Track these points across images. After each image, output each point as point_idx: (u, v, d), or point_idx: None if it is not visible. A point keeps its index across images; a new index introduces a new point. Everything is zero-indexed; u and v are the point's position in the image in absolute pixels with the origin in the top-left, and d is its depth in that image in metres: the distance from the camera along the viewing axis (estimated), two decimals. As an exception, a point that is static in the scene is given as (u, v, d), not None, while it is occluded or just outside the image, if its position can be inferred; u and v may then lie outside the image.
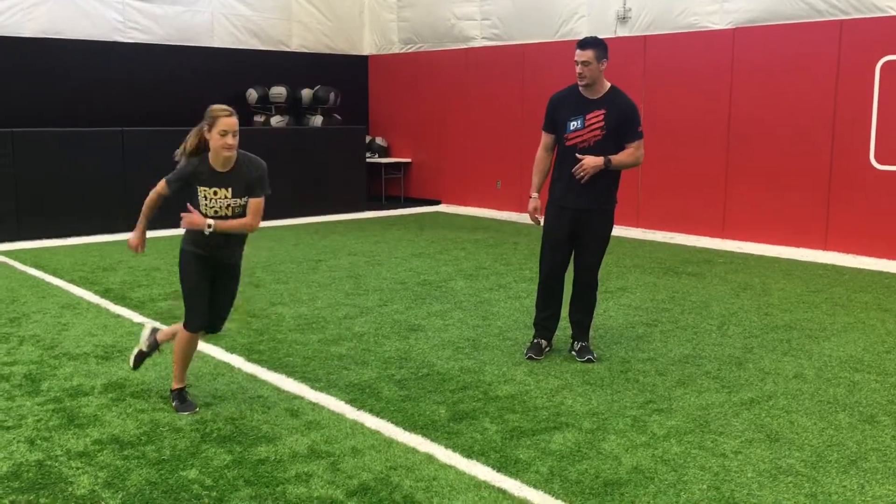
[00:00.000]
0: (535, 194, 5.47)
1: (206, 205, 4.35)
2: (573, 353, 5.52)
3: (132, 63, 12.60)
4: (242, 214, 4.41)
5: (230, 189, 4.34)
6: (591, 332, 5.67)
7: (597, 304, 5.61)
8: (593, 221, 5.35)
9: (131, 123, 11.90)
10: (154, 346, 4.88)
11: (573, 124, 5.26)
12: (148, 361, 5.41)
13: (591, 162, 5.18)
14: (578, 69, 5.19)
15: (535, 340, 5.55)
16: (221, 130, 4.24)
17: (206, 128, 4.32)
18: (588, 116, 5.23)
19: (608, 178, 5.30)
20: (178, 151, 4.45)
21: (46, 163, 10.61)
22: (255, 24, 13.93)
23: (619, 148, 5.25)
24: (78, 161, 10.82)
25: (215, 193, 4.33)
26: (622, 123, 5.23)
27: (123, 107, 12.46)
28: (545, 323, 5.57)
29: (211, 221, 4.33)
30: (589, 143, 5.23)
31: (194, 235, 4.42)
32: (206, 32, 13.39)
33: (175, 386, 4.61)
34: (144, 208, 4.53)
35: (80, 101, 12.14)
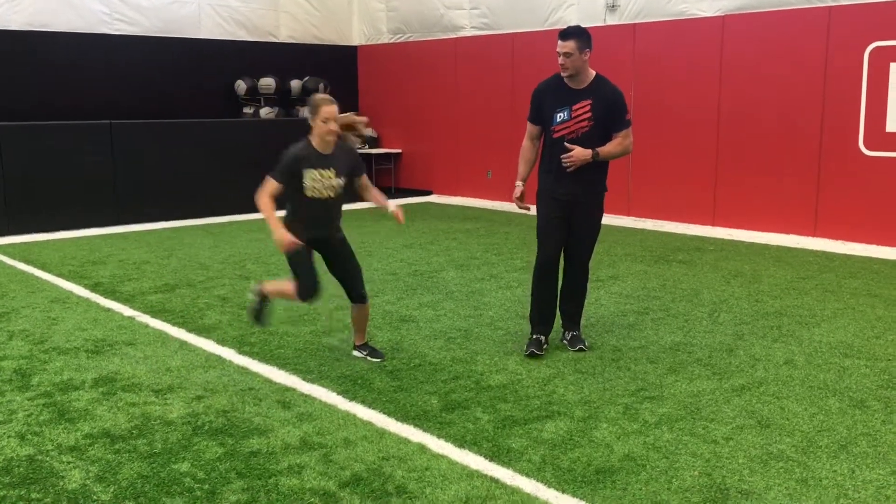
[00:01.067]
0: (520, 183, 5.40)
1: (312, 187, 4.79)
2: (564, 342, 5.51)
3: (119, 55, 12.52)
4: (341, 195, 4.92)
5: (334, 170, 4.85)
6: (583, 321, 5.67)
7: (587, 294, 5.59)
8: (585, 210, 5.30)
9: (119, 116, 11.83)
10: (262, 297, 5.24)
11: (560, 116, 5.18)
12: (137, 354, 5.40)
13: (579, 154, 5.10)
14: (561, 60, 5.10)
15: (535, 336, 5.40)
16: (324, 118, 4.78)
17: (311, 116, 4.85)
18: (574, 107, 5.15)
19: (597, 166, 5.23)
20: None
21: (34, 156, 10.54)
22: (242, 15, 13.85)
23: (607, 137, 5.17)
24: (66, 154, 10.76)
25: (321, 175, 4.81)
26: (609, 113, 5.16)
27: (111, 99, 12.40)
28: (542, 317, 5.44)
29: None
30: (577, 135, 5.15)
31: (305, 222, 4.85)
32: (194, 24, 13.31)
33: (356, 342, 5.32)
34: (267, 216, 4.78)
35: (68, 94, 12.06)
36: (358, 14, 15.29)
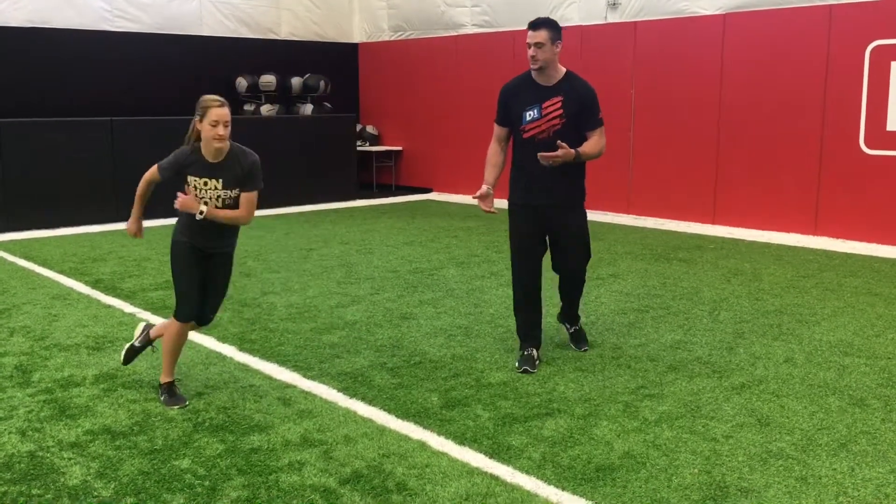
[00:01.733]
0: (486, 186, 5.06)
1: (195, 195, 4.34)
2: (568, 331, 5.47)
3: (120, 52, 12.52)
4: (234, 206, 4.38)
5: (220, 180, 4.32)
6: (583, 319, 5.67)
7: (585, 292, 5.44)
8: (567, 220, 5.01)
9: (120, 113, 11.84)
10: (147, 341, 4.83)
11: (529, 114, 4.87)
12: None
13: (562, 153, 4.74)
14: (531, 52, 4.79)
15: (526, 352, 5.10)
16: (213, 121, 4.22)
17: (197, 118, 4.30)
18: (545, 105, 4.84)
19: (574, 169, 4.93)
20: (187, 138, 4.41)
21: (35, 153, 10.55)
22: (243, 12, 13.85)
23: (579, 137, 4.88)
24: (67, 151, 10.76)
25: (205, 184, 4.31)
26: (582, 110, 4.86)
27: (112, 96, 12.40)
28: (530, 332, 5.16)
29: (203, 207, 4.31)
30: (548, 134, 4.84)
31: (188, 225, 4.40)
32: (195, 21, 13.30)
33: (164, 380, 4.54)
34: (137, 195, 4.56)
35: (69, 91, 12.07)
36: (359, 11, 15.29)
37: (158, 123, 11.59)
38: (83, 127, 11.00)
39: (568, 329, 5.49)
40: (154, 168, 4.44)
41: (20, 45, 11.71)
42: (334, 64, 14.78)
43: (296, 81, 14.00)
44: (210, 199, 4.33)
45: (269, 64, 13.82)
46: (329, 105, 14.27)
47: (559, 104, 4.83)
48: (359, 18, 15.31)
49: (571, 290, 5.31)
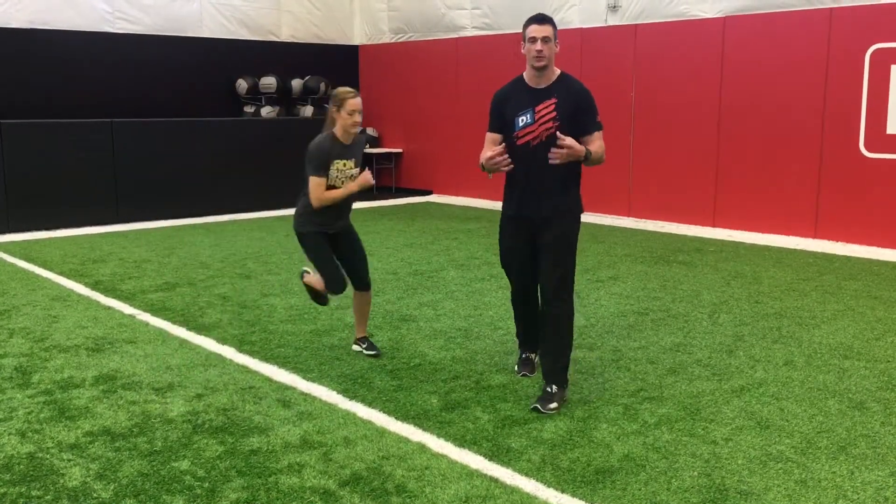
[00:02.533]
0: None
1: (335, 177, 5.02)
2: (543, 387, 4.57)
3: (121, 53, 12.53)
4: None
5: (353, 160, 5.13)
6: (583, 323, 5.64)
7: (584, 294, 5.21)
8: (553, 231, 4.52)
9: (120, 114, 11.84)
10: (311, 287, 5.40)
11: (522, 120, 4.52)
12: (138, 352, 5.41)
13: (573, 145, 4.32)
14: (537, 46, 4.43)
15: (524, 355, 5.04)
16: (350, 110, 5.01)
17: (334, 108, 5.04)
18: (538, 108, 4.48)
19: (574, 176, 4.57)
20: (325, 126, 5.16)
21: (35, 154, 10.55)
22: (244, 14, 13.86)
23: (576, 139, 4.43)
24: (67, 152, 10.76)
25: (345, 165, 5.06)
26: (578, 112, 4.47)
27: (112, 98, 12.40)
28: (527, 336, 5.03)
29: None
30: (541, 139, 4.46)
31: (318, 213, 5.04)
32: (195, 22, 13.31)
33: (357, 334, 5.42)
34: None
35: (69, 92, 12.07)
36: (359, 13, 15.30)
37: (159, 125, 11.60)
38: (84, 128, 11.00)
39: (544, 385, 4.56)
40: (315, 178, 4.97)
41: (21, 46, 11.72)
42: (335, 66, 14.79)
43: (296, 83, 14.01)
44: (345, 178, 5.07)
45: (269, 66, 13.83)
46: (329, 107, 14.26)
47: (553, 107, 4.47)
48: (359, 20, 15.32)
49: (551, 324, 4.55)
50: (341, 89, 5.09)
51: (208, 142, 11.88)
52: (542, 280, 4.60)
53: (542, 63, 4.48)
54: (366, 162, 14.52)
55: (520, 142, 4.53)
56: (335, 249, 5.21)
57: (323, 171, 4.98)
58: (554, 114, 4.46)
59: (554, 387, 4.47)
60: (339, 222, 5.18)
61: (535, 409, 4.38)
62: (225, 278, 7.66)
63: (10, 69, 11.64)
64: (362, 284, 5.29)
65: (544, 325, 4.60)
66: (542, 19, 4.52)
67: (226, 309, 6.55)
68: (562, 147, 4.32)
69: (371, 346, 5.39)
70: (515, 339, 5.27)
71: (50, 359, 5.29)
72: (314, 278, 5.32)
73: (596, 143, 4.50)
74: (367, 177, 5.12)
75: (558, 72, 4.60)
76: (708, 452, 3.88)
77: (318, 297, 5.43)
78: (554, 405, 4.39)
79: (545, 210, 4.55)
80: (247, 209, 12.02)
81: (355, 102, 5.02)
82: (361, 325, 5.45)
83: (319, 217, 5.08)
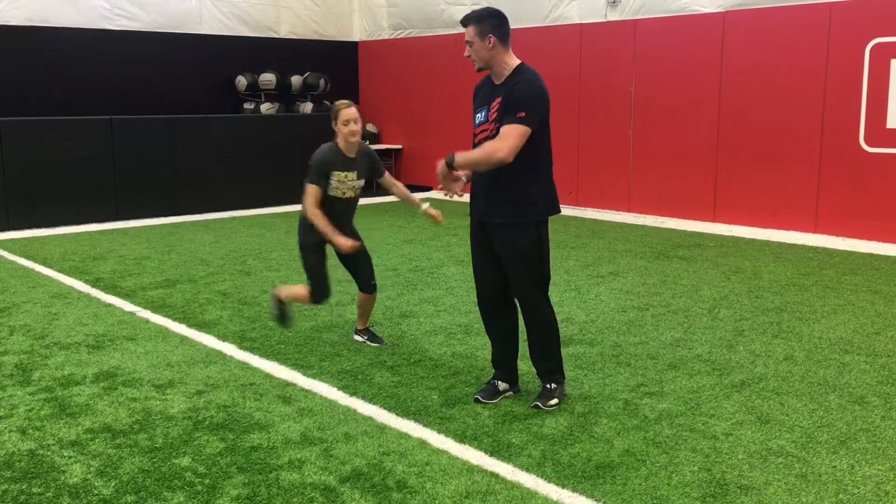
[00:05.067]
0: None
1: (336, 187, 5.07)
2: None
3: (120, 51, 12.52)
4: (359, 195, 5.27)
5: (356, 172, 5.15)
6: (583, 318, 5.56)
7: (584, 290, 4.86)
8: (506, 239, 4.27)
9: (120, 111, 11.83)
10: (279, 302, 5.41)
11: (479, 117, 4.32)
12: (138, 349, 5.41)
13: (438, 166, 4.11)
14: (466, 52, 4.31)
15: (491, 381, 4.56)
16: (345, 120, 5.01)
17: (332, 122, 5.06)
18: (491, 106, 4.22)
19: (509, 176, 4.18)
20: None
21: (35, 152, 10.55)
22: (243, 11, 13.84)
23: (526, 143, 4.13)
24: (67, 150, 10.76)
25: (346, 177, 5.08)
26: (506, 109, 4.12)
27: (112, 95, 12.39)
28: (495, 360, 4.60)
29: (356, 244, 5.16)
30: (485, 140, 4.23)
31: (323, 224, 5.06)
32: (194, 19, 13.30)
33: (359, 326, 5.51)
34: (321, 221, 5.02)
35: (69, 90, 12.06)
36: (359, 10, 15.28)
37: (158, 122, 11.59)
38: (83, 125, 11.00)
39: (542, 383, 4.50)
40: (311, 187, 5.02)
41: (20, 43, 11.70)
42: (334, 62, 14.78)
43: (296, 80, 13.99)
44: (347, 189, 5.12)
45: (268, 62, 13.81)
46: (329, 103, 14.26)
47: (497, 106, 4.17)
48: (359, 16, 15.30)
49: (528, 329, 4.43)
50: (337, 102, 5.15)
51: (208, 139, 11.87)
52: (512, 293, 4.42)
53: (476, 66, 4.29)
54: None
55: (476, 139, 4.34)
56: (342, 255, 5.26)
57: (321, 179, 5.03)
58: (496, 114, 4.17)
59: (552, 384, 4.43)
60: (337, 229, 5.14)
61: (536, 406, 4.35)
62: (225, 275, 7.66)
63: (10, 67, 11.63)
64: (368, 287, 5.36)
65: (526, 324, 4.43)
66: (463, 21, 4.29)
67: (226, 306, 6.55)
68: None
69: (373, 337, 5.49)
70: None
71: (50, 356, 5.30)
72: (292, 291, 5.35)
73: (485, 145, 4.10)
74: (351, 244, 4.98)
75: (514, 64, 4.24)
76: (708, 447, 3.88)
77: (283, 316, 5.44)
78: (554, 401, 4.36)
79: (490, 216, 4.28)
80: (247, 206, 12.02)
81: (348, 112, 5.04)
82: (363, 318, 5.54)
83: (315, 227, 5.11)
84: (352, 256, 5.25)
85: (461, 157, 4.11)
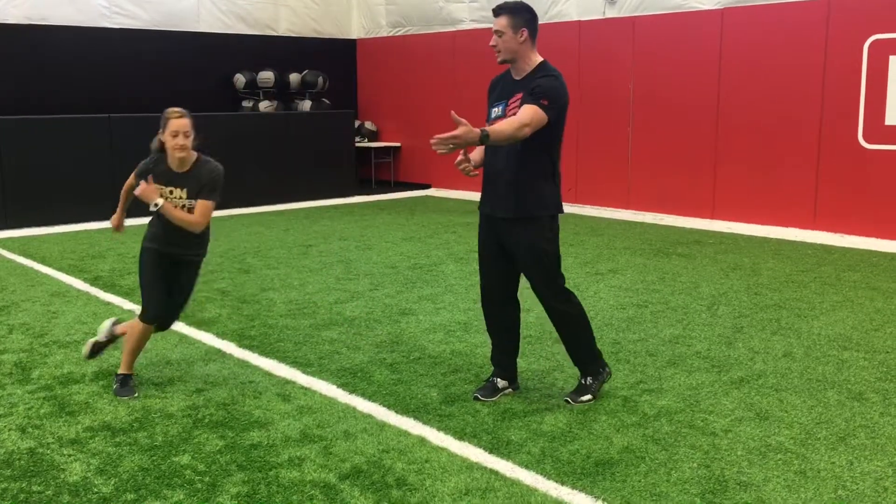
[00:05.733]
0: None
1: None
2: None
3: (118, 49, 12.50)
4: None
5: (185, 189, 4.49)
6: (599, 383, 4.58)
7: (582, 288, 4.66)
8: (517, 236, 4.24)
9: (118, 110, 11.82)
10: (112, 337, 4.89)
11: (495, 111, 4.26)
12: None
13: (460, 133, 3.75)
14: (492, 41, 4.21)
15: (490, 379, 4.55)
16: (172, 132, 4.44)
17: (160, 130, 4.50)
18: (510, 102, 4.18)
19: (523, 169, 4.16)
20: (153, 146, 4.65)
21: (33, 150, 10.54)
22: (241, 9, 13.82)
23: (535, 139, 4.05)
24: (65, 148, 10.75)
25: (171, 192, 4.49)
26: (529, 97, 4.09)
27: (110, 93, 12.38)
28: (495, 358, 4.58)
29: (160, 200, 4.44)
30: None
31: (156, 232, 4.59)
32: (193, 17, 13.28)
33: (122, 371, 4.65)
34: (122, 193, 4.86)
35: (67, 88, 12.05)
36: (357, 7, 15.26)
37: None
38: (81, 124, 10.99)
39: (579, 377, 4.51)
40: (133, 174, 4.70)
41: (18, 42, 11.69)
42: (332, 60, 14.76)
43: (294, 78, 13.98)
44: (175, 206, 4.48)
45: (267, 60, 13.80)
46: (327, 101, 14.25)
47: (518, 101, 4.13)
48: (357, 14, 15.29)
49: (555, 326, 4.44)
50: (168, 109, 4.56)
51: (206, 137, 11.83)
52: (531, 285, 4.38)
53: (499, 58, 4.25)
54: (364, 156, 14.54)
55: None
56: (171, 277, 4.63)
57: (139, 175, 4.57)
58: (516, 110, 4.10)
59: (588, 378, 4.41)
60: (175, 249, 4.56)
61: (567, 401, 4.36)
62: (224, 273, 7.66)
63: (8, 65, 11.62)
64: (167, 323, 4.75)
65: (551, 320, 4.44)
66: (496, 11, 4.24)
67: (225, 304, 6.55)
68: (448, 136, 3.75)
69: (123, 387, 4.57)
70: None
71: (49, 354, 5.29)
72: (115, 328, 4.83)
73: (510, 118, 4.01)
74: (144, 189, 4.42)
75: (537, 62, 4.24)
76: (707, 444, 3.89)
77: (99, 348, 4.89)
78: (587, 397, 4.37)
79: (502, 211, 4.24)
80: (245, 204, 12.01)
81: (179, 123, 4.43)
82: (132, 361, 4.67)
83: (157, 236, 4.57)
84: (175, 280, 4.61)
85: (493, 129, 3.94)
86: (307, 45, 14.55)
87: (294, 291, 6.90)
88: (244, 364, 5.10)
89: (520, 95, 4.14)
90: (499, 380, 4.53)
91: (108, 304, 6.57)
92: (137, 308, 6.39)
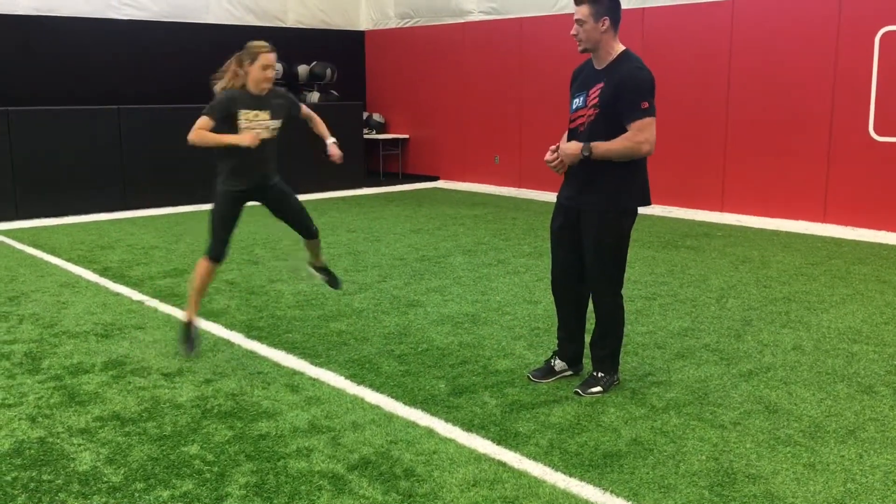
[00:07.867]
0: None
1: (247, 128, 4.81)
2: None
3: (127, 40, 12.51)
4: (276, 137, 5.01)
5: (268, 111, 4.88)
6: (590, 308, 5.47)
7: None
8: (585, 222, 4.32)
9: (127, 101, 11.84)
10: (321, 269, 5.53)
11: (576, 102, 4.30)
12: (147, 338, 5.43)
13: (567, 150, 4.13)
14: (573, 30, 4.23)
15: (549, 361, 4.66)
16: (264, 65, 4.78)
17: (247, 62, 4.78)
18: (591, 92, 4.21)
19: (598, 165, 4.19)
20: (219, 86, 4.89)
21: (43, 141, 10.57)
22: (250, 0, 13.81)
23: (617, 130, 4.13)
24: (74, 139, 10.78)
25: (256, 116, 4.83)
26: (617, 98, 4.10)
27: (119, 84, 12.40)
28: (559, 340, 4.67)
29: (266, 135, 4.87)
30: (583, 126, 4.23)
31: (234, 167, 4.86)
32: (201, 8, 13.28)
33: (186, 318, 5.06)
34: (209, 136, 4.74)
35: (76, 79, 12.07)
36: (365, -1, 15.24)
37: (165, 111, 11.59)
38: (90, 115, 11.01)
39: (591, 370, 4.55)
40: (203, 118, 4.73)
41: (27, 33, 11.71)
42: (341, 52, 14.75)
43: (302, 69, 13.97)
44: (261, 130, 4.82)
45: (275, 52, 13.77)
46: (335, 93, 14.24)
47: (598, 92, 4.17)
48: (365, 6, 15.26)
49: (596, 317, 4.50)
50: (255, 42, 4.90)
51: (215, 128, 11.85)
52: (586, 271, 4.45)
53: (581, 47, 4.26)
54: (372, 148, 14.53)
55: (571, 125, 4.34)
56: (272, 208, 5.20)
57: (215, 111, 4.75)
58: (597, 99, 4.16)
59: (600, 373, 4.44)
60: (255, 177, 4.98)
61: (577, 393, 4.38)
62: (232, 264, 7.67)
63: (17, 56, 11.64)
64: (309, 234, 5.32)
65: (594, 309, 4.50)
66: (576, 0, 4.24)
67: (234, 295, 6.56)
68: (555, 155, 4.24)
69: (332, 280, 5.56)
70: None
71: (59, 345, 5.32)
72: (191, 292, 5.07)
73: (626, 134, 4.11)
74: (251, 137, 4.70)
75: (619, 50, 4.24)
76: (716, 436, 3.88)
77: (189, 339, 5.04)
78: (597, 389, 4.38)
79: (579, 202, 4.30)
80: (254, 195, 12.03)
81: (269, 58, 4.82)
82: (317, 256, 5.50)
83: (241, 172, 4.91)
84: (283, 205, 5.19)
85: (599, 148, 4.11)
86: (315, 36, 14.53)
87: (302, 283, 6.91)
88: (252, 355, 5.11)
89: (601, 85, 4.16)
90: (557, 361, 4.61)
91: (118, 294, 6.59)
92: (146, 299, 6.43)
